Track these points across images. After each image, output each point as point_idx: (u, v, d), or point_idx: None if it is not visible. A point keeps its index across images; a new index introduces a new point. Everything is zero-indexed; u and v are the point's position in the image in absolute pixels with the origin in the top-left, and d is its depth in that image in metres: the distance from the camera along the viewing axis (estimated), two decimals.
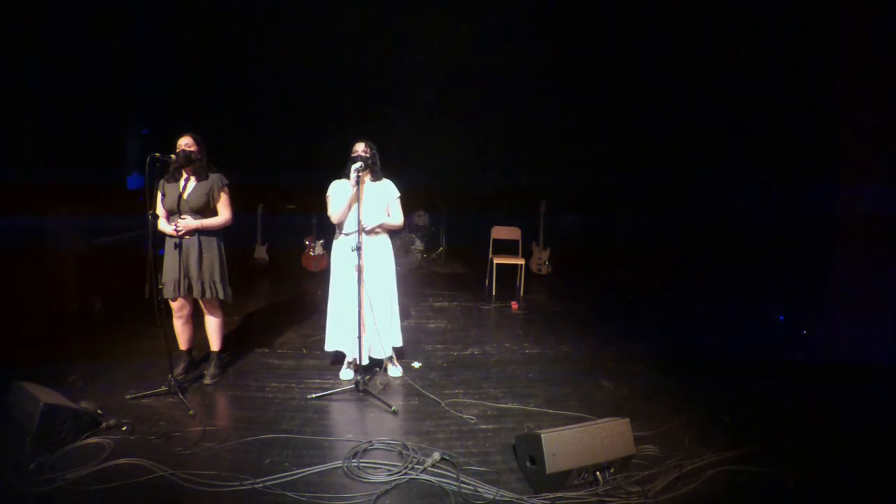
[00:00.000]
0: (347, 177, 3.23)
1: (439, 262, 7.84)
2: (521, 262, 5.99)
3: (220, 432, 2.79)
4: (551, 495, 2.30)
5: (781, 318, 4.71)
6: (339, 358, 3.66)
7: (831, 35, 4.01)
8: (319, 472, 2.45)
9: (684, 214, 6.63)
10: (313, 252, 6.94)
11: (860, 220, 3.88)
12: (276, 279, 6.71)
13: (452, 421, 3.02)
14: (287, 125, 7.53)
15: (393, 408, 3.08)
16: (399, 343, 3.63)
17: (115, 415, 2.86)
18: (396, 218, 3.45)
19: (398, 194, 3.44)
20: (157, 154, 2.94)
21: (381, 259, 3.44)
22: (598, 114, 7.51)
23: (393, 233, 3.56)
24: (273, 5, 5.76)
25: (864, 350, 3.85)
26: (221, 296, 3.29)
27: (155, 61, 6.06)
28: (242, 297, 5.38)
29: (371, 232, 3.36)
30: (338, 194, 3.33)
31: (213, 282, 3.24)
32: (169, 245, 3.19)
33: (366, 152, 3.31)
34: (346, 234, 3.33)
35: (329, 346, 3.51)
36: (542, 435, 2.29)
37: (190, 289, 3.20)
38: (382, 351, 3.46)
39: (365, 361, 3.37)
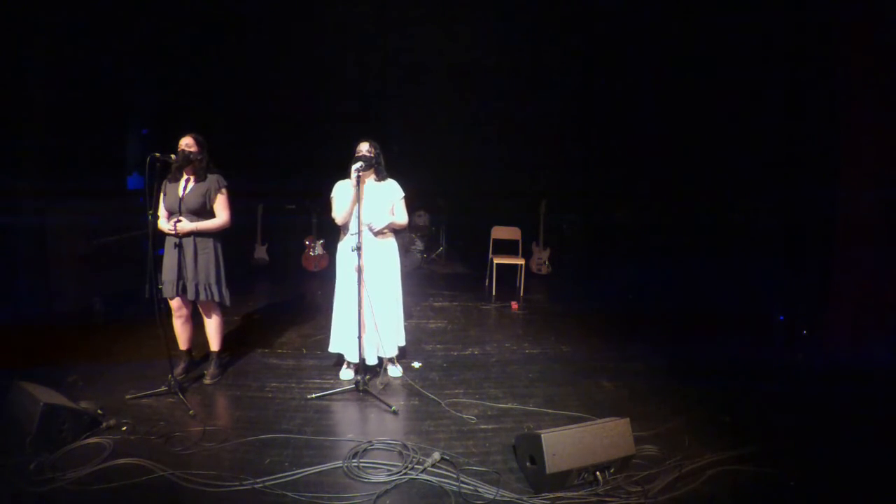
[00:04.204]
0: (350, 177, 3.23)
1: (439, 262, 7.84)
2: (521, 262, 5.98)
3: (220, 432, 2.79)
4: (551, 495, 2.30)
5: (781, 317, 4.70)
6: (342, 359, 3.65)
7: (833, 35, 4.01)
8: (319, 472, 2.45)
9: (684, 213, 6.61)
10: (313, 252, 6.94)
11: (860, 221, 3.88)
12: (276, 279, 6.70)
13: (452, 421, 3.01)
14: (287, 125, 7.53)
15: (393, 408, 3.08)
16: (402, 343, 3.64)
17: (115, 415, 2.85)
18: (401, 217, 3.44)
19: (402, 194, 3.43)
20: (157, 154, 2.94)
21: (387, 260, 3.44)
22: (598, 113, 7.51)
23: (395, 232, 3.57)
24: (273, 5, 5.76)
25: (863, 350, 3.84)
26: (217, 298, 3.27)
27: (155, 61, 6.06)
28: (242, 297, 5.38)
29: (379, 233, 3.35)
30: (342, 195, 3.31)
31: (209, 284, 3.21)
32: (169, 244, 3.19)
33: (370, 152, 3.29)
34: (353, 235, 3.31)
35: (333, 348, 3.51)
36: (542, 435, 2.29)
37: (185, 290, 3.19)
38: (386, 350, 3.46)
39: (372, 361, 3.37)
